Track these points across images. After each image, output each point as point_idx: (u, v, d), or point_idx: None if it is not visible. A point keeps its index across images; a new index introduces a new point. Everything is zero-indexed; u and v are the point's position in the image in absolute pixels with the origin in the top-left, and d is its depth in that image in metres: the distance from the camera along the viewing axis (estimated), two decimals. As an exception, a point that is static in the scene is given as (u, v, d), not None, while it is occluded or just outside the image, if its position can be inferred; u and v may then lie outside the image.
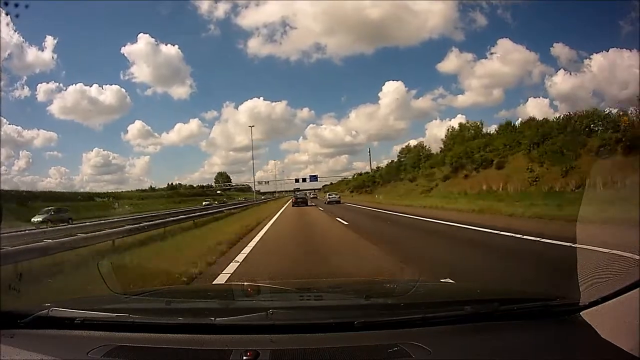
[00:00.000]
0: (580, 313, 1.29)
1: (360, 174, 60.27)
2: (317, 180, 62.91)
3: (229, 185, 65.42)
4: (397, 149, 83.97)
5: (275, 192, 65.02)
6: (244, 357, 1.11)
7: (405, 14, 64.11)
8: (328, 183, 72.54)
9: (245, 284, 2.94)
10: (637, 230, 5.49)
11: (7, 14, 3.71)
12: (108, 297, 1.92)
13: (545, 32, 61.75)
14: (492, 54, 60.21)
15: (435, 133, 60.82)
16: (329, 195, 34.97)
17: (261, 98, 68.72)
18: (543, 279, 4.19)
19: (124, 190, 51.04)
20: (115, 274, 2.39)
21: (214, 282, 4.78)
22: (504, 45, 55.42)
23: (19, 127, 52.63)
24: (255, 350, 1.13)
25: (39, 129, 63.12)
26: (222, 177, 67.68)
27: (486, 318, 1.31)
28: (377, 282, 2.69)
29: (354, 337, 1.22)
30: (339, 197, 32.91)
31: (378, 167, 54.82)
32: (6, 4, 3.53)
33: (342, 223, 13.40)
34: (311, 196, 47.80)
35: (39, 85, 66.95)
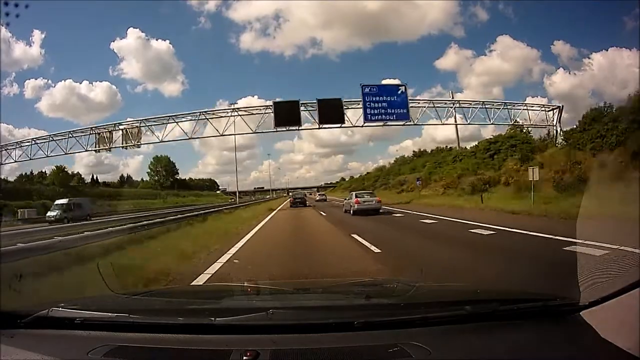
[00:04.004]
0: (580, 313, 1.29)
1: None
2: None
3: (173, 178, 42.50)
4: (392, 149, 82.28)
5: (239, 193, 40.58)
6: (244, 357, 1.11)
7: (405, 7, 63.09)
8: (334, 182, 65.98)
9: (245, 284, 2.93)
10: None
11: (7, 14, 3.66)
12: (108, 297, 1.92)
13: (547, 29, 61.49)
14: (491, 51, 60.12)
15: (432, 133, 60.13)
16: (355, 195, 17.70)
17: (255, 96, 67.49)
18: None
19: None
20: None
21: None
22: (504, 42, 55.49)
23: (10, 126, 52.09)
24: (255, 350, 1.13)
25: (29, 128, 63.00)
26: (162, 163, 42.89)
27: (486, 318, 1.31)
28: (377, 282, 2.68)
29: (354, 337, 1.22)
30: (379, 202, 17.46)
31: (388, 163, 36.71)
32: (6, 4, 3.52)
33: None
34: (317, 198, 34.55)
35: (27, 81, 66.09)
